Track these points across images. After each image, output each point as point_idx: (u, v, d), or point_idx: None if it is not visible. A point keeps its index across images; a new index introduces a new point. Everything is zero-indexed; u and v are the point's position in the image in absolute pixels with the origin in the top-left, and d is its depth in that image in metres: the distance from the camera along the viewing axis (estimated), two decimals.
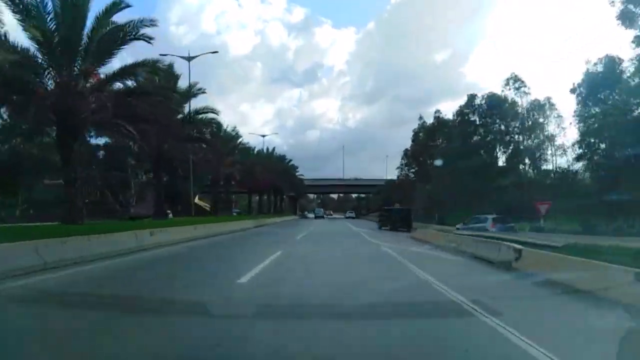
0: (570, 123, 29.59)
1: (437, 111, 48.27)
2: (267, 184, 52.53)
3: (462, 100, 44.50)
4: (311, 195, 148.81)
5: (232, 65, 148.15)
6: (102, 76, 17.32)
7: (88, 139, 28.35)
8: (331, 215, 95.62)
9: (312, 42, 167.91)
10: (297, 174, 74.58)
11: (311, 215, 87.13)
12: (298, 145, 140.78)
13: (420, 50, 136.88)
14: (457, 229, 24.11)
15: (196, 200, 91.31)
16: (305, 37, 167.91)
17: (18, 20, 14.58)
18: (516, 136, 34.64)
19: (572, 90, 28.15)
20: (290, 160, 70.53)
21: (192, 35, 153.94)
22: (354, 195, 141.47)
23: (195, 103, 30.05)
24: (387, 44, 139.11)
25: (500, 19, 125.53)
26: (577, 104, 27.60)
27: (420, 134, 49.19)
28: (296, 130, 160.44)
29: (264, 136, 68.99)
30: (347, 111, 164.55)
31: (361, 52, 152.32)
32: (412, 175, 50.05)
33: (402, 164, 50.64)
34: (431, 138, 47.84)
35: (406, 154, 49.87)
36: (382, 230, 32.76)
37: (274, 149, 64.47)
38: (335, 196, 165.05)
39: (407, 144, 50.30)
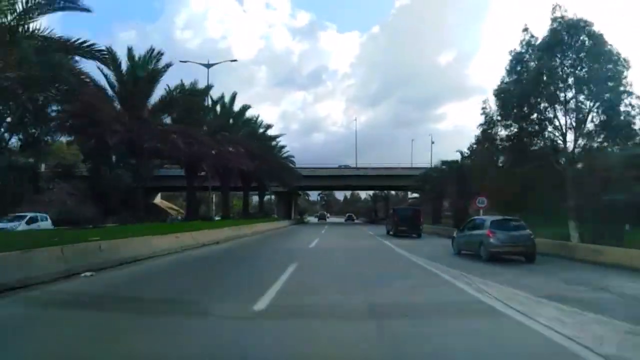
0: None
1: (557, 7, 22.23)
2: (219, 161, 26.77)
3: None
4: (312, 196, 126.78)
5: (238, 69, 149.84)
6: None
7: None
8: (328, 217, 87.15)
9: (316, 46, 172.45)
10: (284, 155, 48.45)
11: (314, 219, 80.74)
12: (303, 148, 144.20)
13: (424, 52, 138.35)
14: (454, 237, 18.14)
15: (158, 200, 65.79)
16: (310, 42, 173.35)
17: None
18: None
19: None
20: (270, 127, 44.41)
21: (198, 39, 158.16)
22: (364, 195, 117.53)
23: None
24: (391, 47, 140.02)
25: (505, 20, 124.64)
26: None
27: (527, 57, 23.16)
28: (301, 132, 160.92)
29: (209, 66, 32.95)
30: (352, 114, 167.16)
31: (366, 56, 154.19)
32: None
33: (490, 120, 23.98)
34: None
35: (500, 97, 23.43)
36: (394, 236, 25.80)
37: (233, 97, 37.10)
38: (341, 197, 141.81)
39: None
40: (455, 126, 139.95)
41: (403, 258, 15.18)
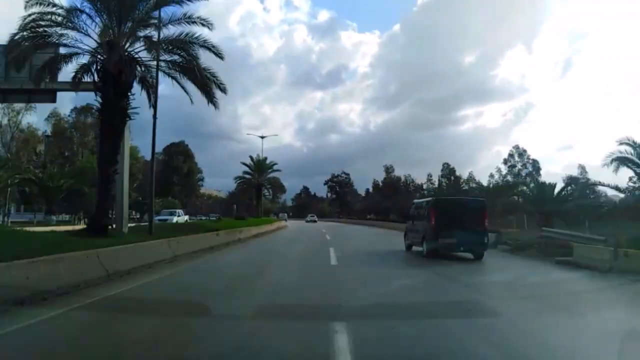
0: None
1: None
2: None
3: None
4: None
5: (257, 68, 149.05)
6: None
7: None
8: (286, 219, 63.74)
9: (336, 46, 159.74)
10: None
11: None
12: (318, 147, 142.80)
13: (447, 52, 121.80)
14: None
15: None
16: (329, 41, 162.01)
17: None
18: None
19: None
20: None
21: (216, 37, 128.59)
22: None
23: None
24: (412, 46, 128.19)
25: (536, 21, 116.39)
26: None
27: None
28: (317, 133, 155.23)
29: None
30: (368, 115, 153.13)
31: (385, 55, 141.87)
32: None
33: None
34: None
35: None
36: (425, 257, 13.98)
37: None
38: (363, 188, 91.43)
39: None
40: (476, 128, 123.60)
41: None
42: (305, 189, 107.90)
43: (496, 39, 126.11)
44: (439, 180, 66.67)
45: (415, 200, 18.87)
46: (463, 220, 14.12)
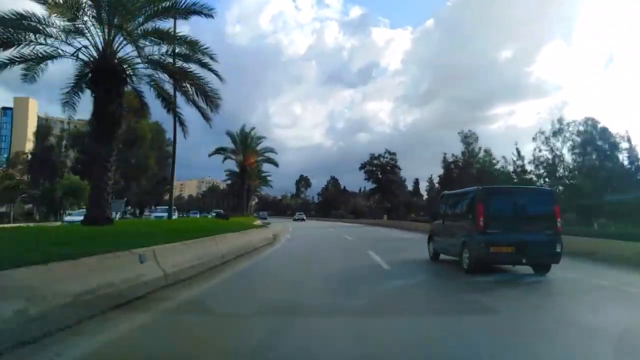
0: None
1: None
2: None
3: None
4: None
5: (288, 66, 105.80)
6: None
7: None
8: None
9: (367, 42, 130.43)
10: None
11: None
12: (347, 147, 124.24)
13: (481, 48, 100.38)
14: None
15: None
16: (361, 38, 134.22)
17: None
18: None
19: None
20: None
21: (248, 34, 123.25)
22: None
23: None
24: (445, 42, 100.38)
25: (573, 17, 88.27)
26: None
27: None
28: (347, 131, 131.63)
29: None
30: (399, 113, 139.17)
31: (418, 52, 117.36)
32: None
33: None
34: None
35: None
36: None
37: None
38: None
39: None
40: (508, 127, 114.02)
41: None
42: (334, 179, 79.43)
43: (533, 34, 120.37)
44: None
45: (447, 192, 13.94)
46: (524, 220, 10.38)
